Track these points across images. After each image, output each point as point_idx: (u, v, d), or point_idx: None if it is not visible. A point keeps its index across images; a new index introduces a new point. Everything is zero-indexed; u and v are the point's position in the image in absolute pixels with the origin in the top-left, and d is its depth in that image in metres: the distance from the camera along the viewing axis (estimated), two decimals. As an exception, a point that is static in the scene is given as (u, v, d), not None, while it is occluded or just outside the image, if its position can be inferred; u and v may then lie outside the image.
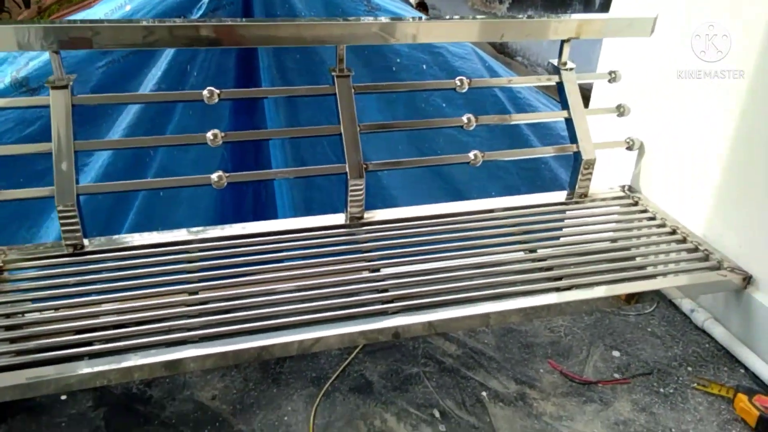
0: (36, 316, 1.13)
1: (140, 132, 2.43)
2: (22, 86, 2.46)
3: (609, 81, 1.60)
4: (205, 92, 1.35)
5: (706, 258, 1.37)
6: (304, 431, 1.10)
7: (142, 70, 2.46)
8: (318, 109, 2.65)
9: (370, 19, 1.44)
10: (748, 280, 1.31)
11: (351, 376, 1.22)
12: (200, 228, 1.38)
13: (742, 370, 1.29)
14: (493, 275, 1.27)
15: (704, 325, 1.39)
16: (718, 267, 1.33)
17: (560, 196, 1.59)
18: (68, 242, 1.27)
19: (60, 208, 1.24)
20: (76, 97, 1.28)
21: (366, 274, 1.27)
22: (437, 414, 1.15)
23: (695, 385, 1.25)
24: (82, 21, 1.25)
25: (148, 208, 2.38)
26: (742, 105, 1.34)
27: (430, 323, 1.16)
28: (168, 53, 2.42)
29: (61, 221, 1.25)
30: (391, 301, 1.18)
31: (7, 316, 1.12)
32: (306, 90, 1.44)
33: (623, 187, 1.65)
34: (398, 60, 2.86)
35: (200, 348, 1.06)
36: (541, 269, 1.31)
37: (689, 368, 1.29)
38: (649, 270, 1.34)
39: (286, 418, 1.12)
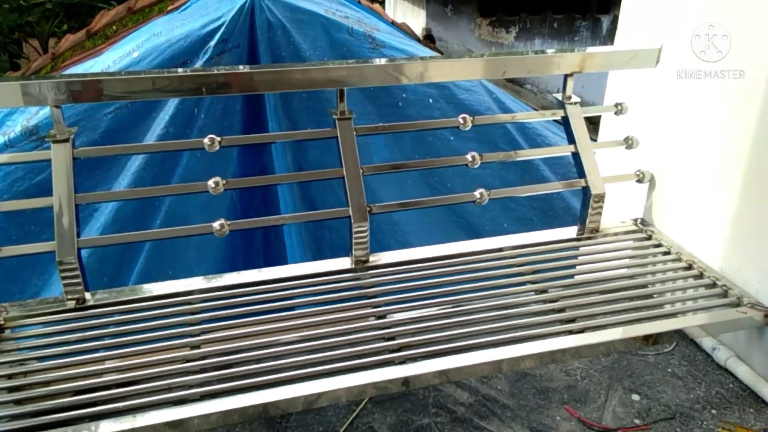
0: (39, 376, 1.11)
1: (149, 176, 2.45)
2: (32, 135, 2.49)
3: (615, 113, 1.58)
4: (206, 140, 1.35)
5: (725, 294, 1.32)
6: None
7: (150, 114, 2.48)
8: (325, 148, 2.65)
9: (372, 61, 1.43)
10: (769, 316, 1.25)
11: (359, 429, 1.18)
12: (204, 277, 1.36)
13: (769, 411, 1.23)
14: (504, 318, 1.23)
15: (727, 364, 1.34)
16: (738, 303, 1.28)
17: (571, 231, 1.56)
18: (70, 297, 1.26)
19: (61, 263, 1.22)
20: (78, 150, 1.28)
21: (372, 321, 1.24)
22: None
23: (720, 429, 1.19)
24: (80, 75, 1.25)
25: (157, 252, 2.37)
26: (753, 133, 1.30)
27: (440, 371, 1.11)
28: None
29: (62, 276, 1.24)
30: (399, 350, 1.15)
31: (10, 377, 1.10)
32: (307, 134, 1.44)
33: (635, 220, 1.61)
34: (404, 95, 2.87)
35: (203, 406, 1.03)
36: (553, 311, 1.26)
37: (713, 411, 1.23)
38: (667, 308, 1.29)
39: None
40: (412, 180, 2.74)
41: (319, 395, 1.07)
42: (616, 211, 1.61)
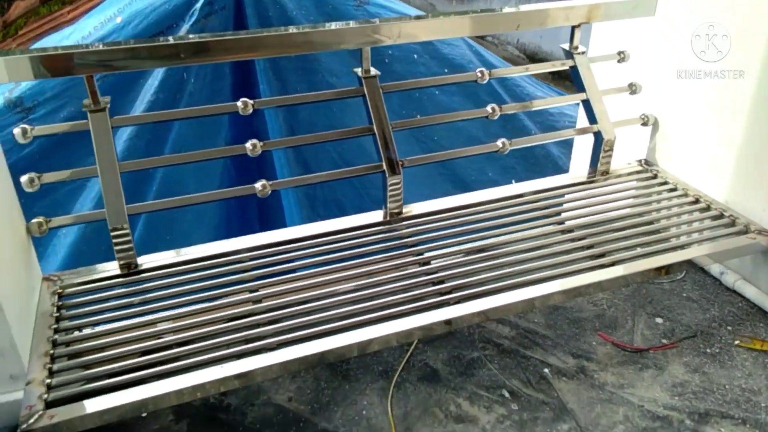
0: (102, 340, 1.13)
1: (142, 143, 2.42)
2: (16, 106, 2.42)
3: (618, 61, 1.66)
4: (239, 103, 1.36)
5: (732, 223, 1.44)
6: (385, 423, 1.13)
7: (138, 81, 2.44)
8: (314, 109, 2.67)
9: (394, 20, 1.46)
10: (775, 240, 1.38)
11: (416, 366, 1.26)
12: (249, 236, 1.39)
13: (777, 324, 1.37)
14: (534, 259, 1.31)
15: (735, 286, 1.47)
16: (745, 231, 1.41)
17: (583, 174, 1.65)
18: (122, 261, 1.28)
19: (113, 230, 1.24)
20: (115, 119, 1.28)
21: (417, 268, 1.30)
22: (507, 394, 1.20)
23: (738, 342, 1.32)
24: (112, 44, 1.25)
25: (154, 220, 2.37)
26: (759, 68, 1.39)
27: (480, 312, 1.18)
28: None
29: (115, 242, 1.25)
30: (449, 292, 1.22)
31: (72, 342, 1.12)
32: (334, 93, 1.46)
33: (640, 161, 1.71)
34: (390, 52, 2.89)
35: (265, 358, 1.06)
36: (577, 249, 1.36)
37: (729, 327, 1.37)
38: (682, 240, 1.41)
39: (364, 412, 1.16)
40: (403, 137, 2.79)
41: (371, 341, 1.13)
42: (619, 154, 1.71)
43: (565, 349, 1.30)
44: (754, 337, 1.32)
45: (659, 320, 1.39)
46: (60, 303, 1.20)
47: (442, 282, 1.25)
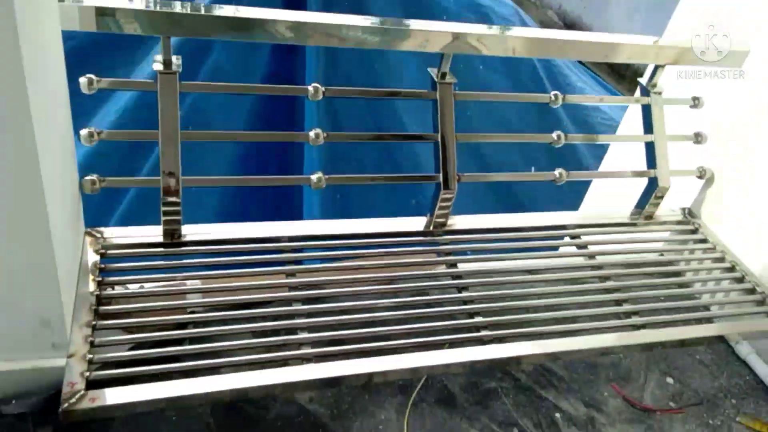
0: (144, 303, 1.15)
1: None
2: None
3: (691, 107, 1.62)
4: (310, 88, 1.31)
5: (763, 301, 1.46)
6: None
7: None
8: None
9: (486, 28, 1.39)
10: (799, 328, 1.41)
11: (434, 387, 1.30)
12: (287, 223, 1.38)
13: (779, 407, 1.42)
14: (568, 306, 1.33)
15: (747, 359, 1.52)
16: None
17: (626, 214, 1.65)
18: (167, 228, 1.27)
19: (165, 199, 1.22)
20: (183, 84, 1.23)
21: (454, 294, 1.31)
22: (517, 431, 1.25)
23: (739, 419, 1.37)
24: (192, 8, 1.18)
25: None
26: None
27: (509, 357, 1.20)
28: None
29: (164, 211, 1.24)
30: (482, 328, 1.24)
31: (118, 314, 1.13)
32: (406, 93, 1.41)
33: (684, 210, 1.71)
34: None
35: (309, 371, 1.09)
36: (613, 302, 1.37)
37: (733, 400, 1.42)
38: (711, 310, 1.43)
39: (381, 427, 1.20)
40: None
41: (399, 370, 1.15)
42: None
43: (578, 396, 1.35)
44: (756, 418, 1.37)
45: (670, 380, 1.43)
46: (102, 266, 1.19)
47: (476, 315, 1.27)
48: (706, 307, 1.46)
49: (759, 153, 1.55)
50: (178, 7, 1.18)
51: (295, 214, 2.34)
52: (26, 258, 0.94)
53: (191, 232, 1.30)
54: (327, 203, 2.36)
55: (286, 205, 2.37)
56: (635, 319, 1.33)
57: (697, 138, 1.62)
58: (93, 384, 0.99)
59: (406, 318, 1.23)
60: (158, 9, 1.15)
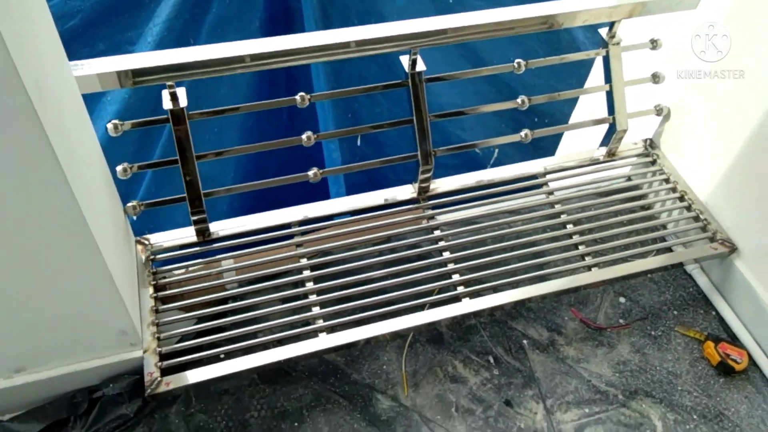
0: (192, 286, 1.50)
1: (180, 23, 2.49)
2: None
3: (651, 48, 1.75)
4: (297, 97, 1.52)
5: (704, 228, 1.71)
6: (399, 377, 1.55)
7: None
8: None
9: (442, 19, 1.52)
10: (733, 250, 1.67)
11: (426, 329, 1.64)
12: (295, 208, 1.66)
13: (714, 313, 1.73)
14: (537, 254, 1.61)
15: (692, 272, 1.80)
16: (712, 238, 1.69)
17: (591, 154, 1.86)
18: (198, 229, 1.57)
19: (192, 211, 1.51)
20: (192, 114, 1.46)
21: (438, 257, 1.61)
22: (492, 360, 1.60)
23: (677, 328, 1.69)
24: (198, 52, 1.37)
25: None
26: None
27: (486, 308, 1.52)
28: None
29: (194, 220, 1.54)
30: (461, 285, 1.55)
31: (176, 309, 1.48)
32: (380, 87, 1.58)
33: (645, 141, 1.90)
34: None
35: (325, 341, 1.43)
36: (577, 245, 1.65)
37: (675, 312, 1.73)
38: (667, 240, 1.69)
39: (385, 367, 1.57)
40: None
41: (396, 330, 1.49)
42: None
43: (543, 323, 1.68)
44: (691, 326, 1.69)
45: (622, 300, 1.74)
46: (155, 269, 1.53)
47: (454, 273, 1.58)
48: (663, 238, 1.71)
49: (712, 85, 1.69)
50: (178, 56, 1.37)
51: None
52: (97, 289, 1.25)
53: (218, 228, 1.61)
54: (345, 155, 2.63)
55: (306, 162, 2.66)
56: (598, 259, 1.61)
57: (655, 78, 1.76)
58: (165, 371, 1.36)
59: (398, 272, 1.54)
60: (160, 63, 1.35)
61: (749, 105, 1.56)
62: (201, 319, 1.50)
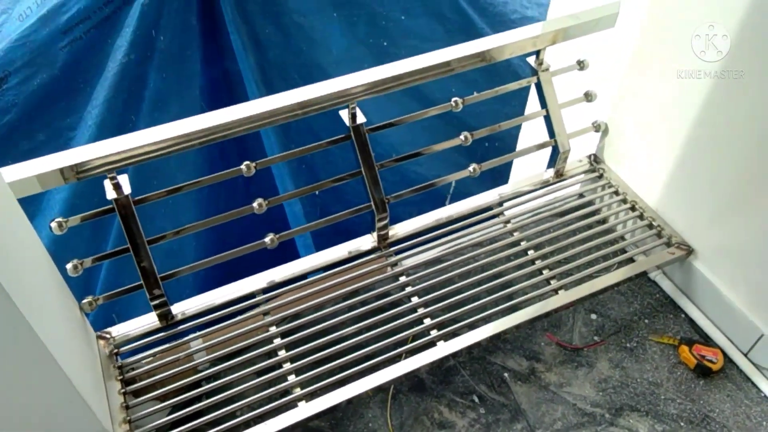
0: (165, 374, 1.45)
1: (119, 101, 2.47)
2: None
3: (579, 69, 1.81)
4: (243, 167, 1.51)
5: (659, 234, 1.75)
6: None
7: (107, 41, 2.42)
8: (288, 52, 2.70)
9: (375, 71, 1.54)
10: (690, 252, 1.71)
11: (406, 378, 1.62)
12: (258, 275, 1.64)
13: (683, 315, 1.76)
14: (506, 284, 1.62)
15: (656, 279, 1.83)
16: (668, 243, 1.73)
17: (540, 177, 1.89)
18: (160, 314, 1.54)
19: (151, 296, 1.48)
20: (136, 200, 1.44)
21: (408, 303, 1.61)
22: (476, 399, 1.58)
23: (650, 337, 1.71)
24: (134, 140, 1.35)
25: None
26: (706, 96, 1.57)
27: (463, 349, 1.51)
28: (131, 21, 2.39)
29: (153, 304, 1.50)
30: (434, 328, 1.54)
31: (140, 382, 1.43)
32: (323, 144, 1.58)
33: (590, 157, 1.95)
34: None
35: (304, 410, 1.39)
36: (541, 269, 1.66)
37: (646, 320, 1.75)
38: (628, 251, 1.72)
39: (370, 425, 1.54)
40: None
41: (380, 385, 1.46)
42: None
43: (520, 352, 1.68)
44: (664, 333, 1.71)
45: (594, 316, 1.76)
46: (121, 363, 1.48)
47: (426, 317, 1.57)
48: (623, 249, 1.74)
49: (642, 97, 1.75)
50: (118, 145, 1.35)
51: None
52: (56, 396, 1.18)
53: (181, 309, 1.57)
54: (306, 206, 2.63)
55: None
56: (564, 280, 1.63)
57: (588, 97, 1.82)
58: (145, 469, 1.31)
59: (370, 325, 1.53)
60: (99, 155, 1.33)
61: (680, 110, 1.62)
62: (176, 407, 1.45)
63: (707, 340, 1.69)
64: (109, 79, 2.43)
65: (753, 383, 1.61)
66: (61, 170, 1.30)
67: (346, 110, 1.59)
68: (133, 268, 1.48)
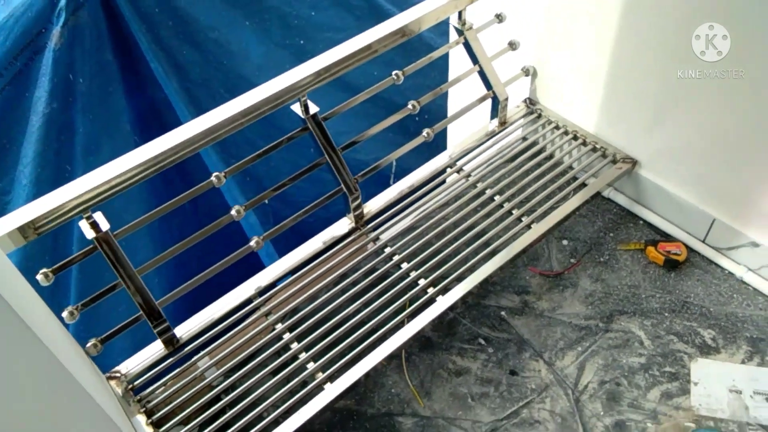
0: (184, 399, 1.47)
1: (51, 151, 2.41)
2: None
3: (498, 22, 1.92)
4: (213, 178, 1.53)
5: (604, 154, 1.90)
6: (409, 394, 1.60)
7: (25, 94, 2.37)
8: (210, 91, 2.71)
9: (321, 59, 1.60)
10: (635, 163, 1.87)
11: (414, 340, 1.69)
12: (251, 279, 1.67)
13: (641, 222, 1.92)
14: (480, 234, 1.72)
15: (609, 195, 1.98)
16: (614, 160, 1.88)
17: (485, 129, 2.01)
18: (164, 339, 1.54)
19: (153, 325, 1.49)
20: (117, 234, 1.44)
21: (396, 273, 1.68)
22: (482, 341, 1.68)
23: (619, 247, 1.86)
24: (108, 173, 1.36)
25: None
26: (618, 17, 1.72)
27: (462, 298, 1.61)
28: (45, 69, 2.35)
29: (157, 332, 1.51)
30: (429, 286, 1.63)
31: (163, 409, 1.44)
32: (283, 140, 1.63)
33: (525, 101, 2.08)
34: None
35: (326, 396, 1.44)
36: (509, 212, 1.78)
37: (611, 234, 1.90)
38: (579, 177, 1.85)
39: (393, 390, 1.61)
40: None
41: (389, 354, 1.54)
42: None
43: (510, 290, 1.79)
44: (630, 240, 1.87)
45: (565, 242, 1.89)
46: (139, 397, 1.48)
47: (420, 279, 1.65)
48: (575, 177, 1.88)
49: (561, 36, 1.89)
50: (87, 184, 1.35)
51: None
52: None
53: (183, 332, 1.58)
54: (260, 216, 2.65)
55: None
56: (533, 215, 1.74)
57: (512, 46, 1.94)
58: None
59: (368, 300, 1.59)
60: (73, 196, 1.33)
61: (597, 41, 1.76)
62: (203, 426, 1.47)
63: (668, 237, 1.85)
64: (35, 134, 2.37)
65: (716, 264, 1.79)
66: (27, 224, 1.29)
67: (298, 104, 1.64)
68: (129, 300, 1.48)
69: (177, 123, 2.70)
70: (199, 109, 2.75)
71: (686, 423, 1.48)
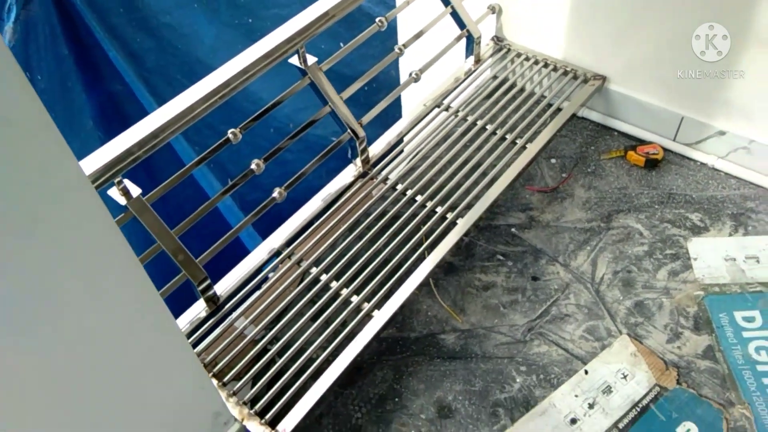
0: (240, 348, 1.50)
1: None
2: None
3: (460, -36, 2.03)
4: (229, 135, 1.56)
5: (575, 77, 2.06)
6: (445, 313, 1.69)
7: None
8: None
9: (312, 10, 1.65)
10: (604, 79, 2.03)
11: (438, 267, 1.79)
12: (275, 234, 1.71)
13: (616, 132, 2.09)
14: (479, 164, 1.83)
15: (584, 114, 2.15)
16: (585, 80, 2.04)
17: (462, 69, 2.12)
18: (207, 297, 1.56)
19: (197, 285, 1.50)
20: (149, 198, 1.44)
21: (409, 208, 1.76)
22: (501, 257, 1.80)
23: (602, 157, 2.02)
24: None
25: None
26: None
27: (475, 223, 1.72)
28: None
29: (201, 291, 1.52)
30: (449, 211, 1.72)
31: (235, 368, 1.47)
32: (286, 93, 1.67)
33: (493, 39, 2.21)
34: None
35: (372, 326, 1.52)
36: (503, 136, 1.90)
37: (592, 147, 2.06)
38: (554, 102, 2.00)
39: (429, 313, 1.69)
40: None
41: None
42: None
43: (515, 208, 1.91)
44: (611, 149, 2.03)
45: (553, 161, 2.04)
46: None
47: (438, 207, 1.74)
48: (550, 103, 2.02)
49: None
50: (114, 150, 1.35)
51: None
52: (188, 377, 1.22)
53: (222, 288, 1.60)
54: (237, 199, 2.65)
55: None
56: (519, 142, 1.87)
57: (477, -15, 2.06)
58: (272, 424, 1.37)
59: (389, 238, 1.67)
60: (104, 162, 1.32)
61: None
62: (256, 378, 1.50)
63: (643, 142, 2.03)
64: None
65: (689, 158, 1.98)
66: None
67: (296, 56, 1.68)
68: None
69: (141, 113, 2.66)
70: (158, 98, 2.71)
71: (695, 292, 1.65)
